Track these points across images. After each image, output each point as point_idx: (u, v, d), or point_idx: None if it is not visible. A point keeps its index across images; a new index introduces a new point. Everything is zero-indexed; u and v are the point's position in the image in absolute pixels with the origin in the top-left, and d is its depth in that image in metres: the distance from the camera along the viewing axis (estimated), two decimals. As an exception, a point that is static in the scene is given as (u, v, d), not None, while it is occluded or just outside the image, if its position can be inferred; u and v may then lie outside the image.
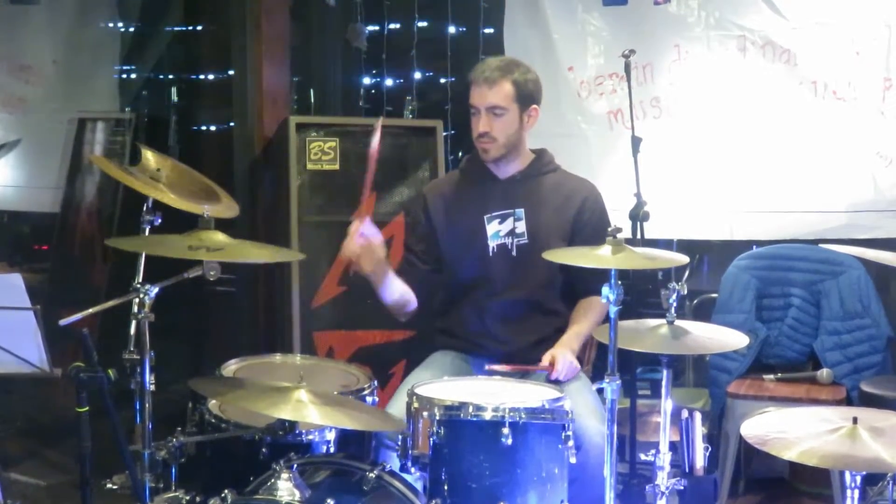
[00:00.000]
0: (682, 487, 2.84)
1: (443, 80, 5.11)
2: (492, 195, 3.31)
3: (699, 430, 3.00)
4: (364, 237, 3.03)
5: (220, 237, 2.64)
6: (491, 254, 3.28)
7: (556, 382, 3.04)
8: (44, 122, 5.82)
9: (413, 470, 2.64)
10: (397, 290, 3.23)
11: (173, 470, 2.70)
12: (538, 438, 2.57)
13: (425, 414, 2.59)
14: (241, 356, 3.20)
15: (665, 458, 2.80)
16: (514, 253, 3.27)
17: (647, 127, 4.37)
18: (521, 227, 3.26)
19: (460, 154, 4.87)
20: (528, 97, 3.24)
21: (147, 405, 2.63)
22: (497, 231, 3.28)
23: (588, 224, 3.26)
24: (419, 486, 2.67)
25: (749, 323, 4.17)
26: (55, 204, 5.64)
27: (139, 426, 2.73)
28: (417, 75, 5.14)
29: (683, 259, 2.79)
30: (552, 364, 3.07)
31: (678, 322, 2.79)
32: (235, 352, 3.27)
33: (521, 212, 3.27)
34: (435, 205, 3.39)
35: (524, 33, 4.75)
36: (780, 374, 4.12)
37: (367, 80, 5.36)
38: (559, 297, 3.29)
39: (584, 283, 3.22)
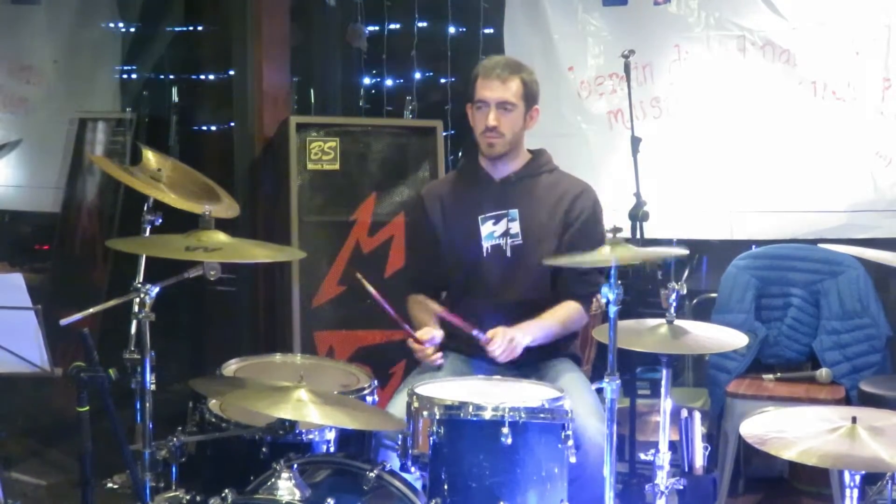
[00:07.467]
0: (681, 487, 2.84)
1: (443, 80, 5.12)
2: (486, 196, 3.30)
3: (699, 429, 3.00)
4: (430, 343, 3.17)
5: (220, 237, 2.64)
6: (485, 255, 3.28)
7: (493, 363, 3.07)
8: (45, 122, 5.81)
9: (413, 469, 2.65)
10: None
11: (174, 469, 2.70)
12: (538, 438, 2.57)
13: (425, 413, 2.59)
14: (241, 356, 3.20)
15: (664, 457, 2.81)
16: (508, 254, 3.26)
17: (647, 127, 4.38)
18: (515, 227, 3.26)
19: (460, 154, 4.87)
20: (532, 97, 3.26)
21: (147, 405, 2.64)
22: (491, 232, 3.28)
23: (576, 222, 3.24)
24: (419, 485, 2.67)
25: (748, 323, 4.17)
26: (56, 204, 5.63)
27: (140, 426, 2.74)
28: (417, 75, 5.14)
29: (682, 251, 2.80)
30: (493, 338, 3.07)
31: (678, 322, 2.80)
32: (236, 351, 3.28)
33: (514, 212, 3.26)
34: (432, 206, 3.39)
35: (524, 33, 4.75)
36: (779, 374, 4.12)
37: (367, 80, 5.36)
38: (553, 298, 3.28)
39: (566, 285, 3.24)
